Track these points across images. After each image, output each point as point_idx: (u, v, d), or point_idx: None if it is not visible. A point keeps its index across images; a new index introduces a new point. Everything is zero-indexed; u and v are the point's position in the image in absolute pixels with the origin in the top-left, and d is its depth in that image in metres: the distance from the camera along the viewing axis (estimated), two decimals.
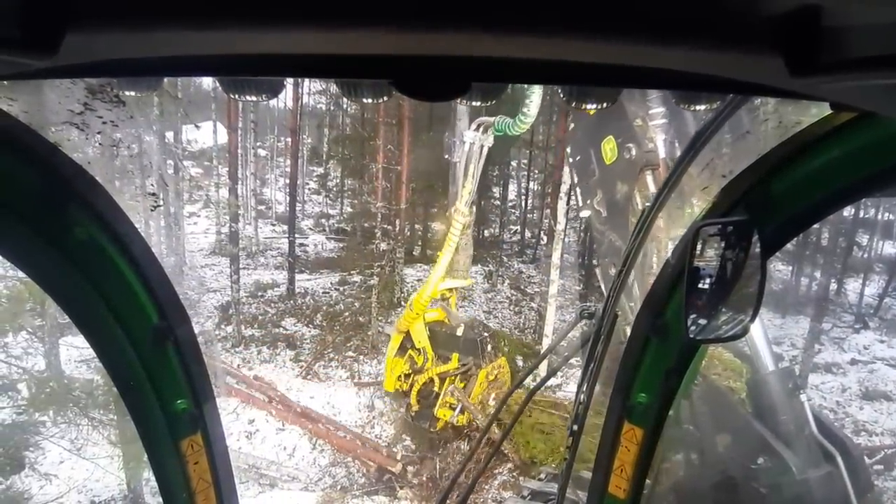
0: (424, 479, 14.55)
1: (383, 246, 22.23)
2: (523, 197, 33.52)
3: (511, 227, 32.75)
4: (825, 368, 19.50)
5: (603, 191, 9.29)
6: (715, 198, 2.00)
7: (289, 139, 30.17)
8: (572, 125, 16.91)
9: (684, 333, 1.84)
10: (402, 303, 23.22)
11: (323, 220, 33.77)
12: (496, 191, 31.86)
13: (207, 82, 23.80)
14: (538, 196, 31.87)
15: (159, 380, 2.07)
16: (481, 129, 13.15)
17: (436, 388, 14.90)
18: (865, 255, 24.56)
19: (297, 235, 26.31)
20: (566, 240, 20.23)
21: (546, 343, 17.83)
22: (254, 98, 1.38)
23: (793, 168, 1.84)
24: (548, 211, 30.53)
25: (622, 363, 2.41)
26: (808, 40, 0.96)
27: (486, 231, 30.66)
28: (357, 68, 1.16)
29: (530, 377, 13.28)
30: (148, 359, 2.03)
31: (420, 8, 0.96)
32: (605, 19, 0.98)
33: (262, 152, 37.25)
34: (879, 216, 26.03)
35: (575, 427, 2.85)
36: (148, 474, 12.95)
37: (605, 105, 1.41)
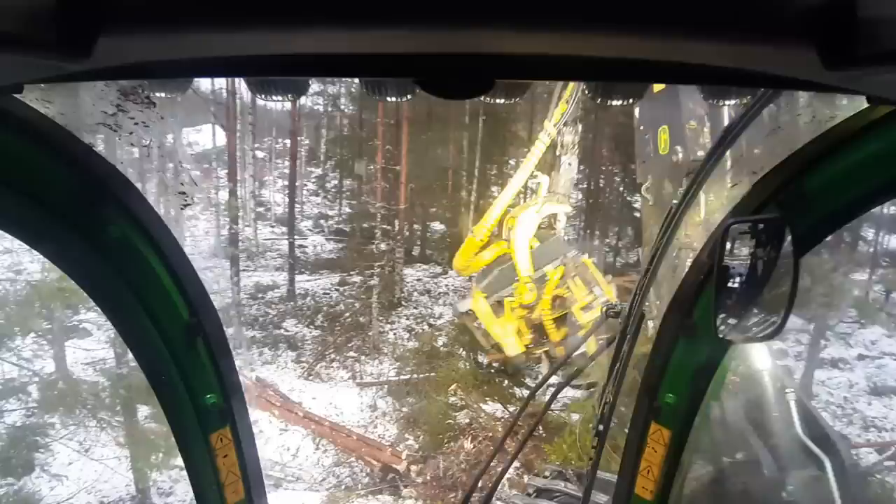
0: (429, 477, 14.56)
1: (383, 246, 22.26)
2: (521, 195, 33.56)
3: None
4: (831, 364, 19.42)
5: (653, 178, 9.28)
6: (746, 195, 1.96)
7: (287, 141, 30.19)
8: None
9: (714, 333, 1.79)
10: (403, 302, 23.27)
11: (322, 221, 33.78)
12: (494, 190, 31.88)
13: (206, 85, 23.79)
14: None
15: (190, 374, 2.12)
16: None
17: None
18: (871, 249, 24.50)
19: (296, 237, 26.33)
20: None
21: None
22: (280, 98, 1.41)
23: (827, 164, 1.78)
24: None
25: (649, 362, 2.39)
26: (843, 32, 0.93)
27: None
28: (381, 67, 1.16)
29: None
30: (179, 354, 2.08)
31: (443, 6, 0.97)
32: (632, 13, 0.97)
33: (260, 154, 37.22)
34: (884, 210, 26.04)
35: (600, 427, 2.78)
36: (155, 475, 13.03)
37: (630, 101, 1.40)
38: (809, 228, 1.84)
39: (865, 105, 1.61)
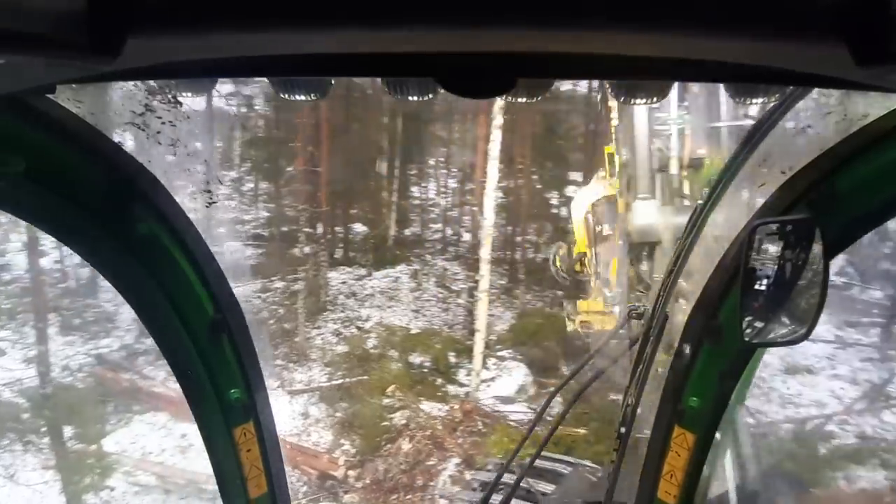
0: (368, 481, 14.44)
1: (306, 250, 21.82)
2: (444, 195, 33.72)
3: (431, 225, 32.85)
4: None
5: None
6: (774, 195, 1.93)
7: (198, 144, 28.95)
8: (499, 119, 17.27)
9: (739, 336, 1.76)
10: (329, 307, 22.92)
11: (238, 227, 32.66)
12: (415, 190, 31.91)
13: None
14: (457, 193, 32.15)
15: (215, 370, 2.17)
16: None
17: None
18: None
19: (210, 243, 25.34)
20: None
21: (478, 338, 18.06)
22: (303, 97, 1.43)
23: (859, 164, 1.74)
24: (467, 208, 31.02)
25: (672, 366, 2.37)
26: (875, 27, 0.91)
27: (406, 230, 30.65)
28: (403, 66, 1.17)
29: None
30: (204, 349, 2.13)
31: (465, 5, 0.97)
32: (657, 11, 0.96)
33: (170, 158, 35.55)
34: None
35: (622, 429, 2.77)
36: (89, 497, 12.23)
37: (654, 100, 1.40)
38: (840, 229, 1.80)
39: None
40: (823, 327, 21.74)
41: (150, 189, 1.87)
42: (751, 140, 2.17)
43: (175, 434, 15.03)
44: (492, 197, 17.99)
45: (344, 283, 25.06)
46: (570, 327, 14.69)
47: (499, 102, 17.41)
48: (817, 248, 1.64)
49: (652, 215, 5.84)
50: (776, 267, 1.69)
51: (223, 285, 2.14)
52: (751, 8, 0.96)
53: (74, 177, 1.68)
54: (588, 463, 10.58)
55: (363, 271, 25.75)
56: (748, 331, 1.74)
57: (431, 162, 32.91)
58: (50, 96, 1.47)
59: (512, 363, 19.08)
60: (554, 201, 29.23)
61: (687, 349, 2.28)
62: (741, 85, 1.43)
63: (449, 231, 32.06)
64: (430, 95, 1.34)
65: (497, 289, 23.49)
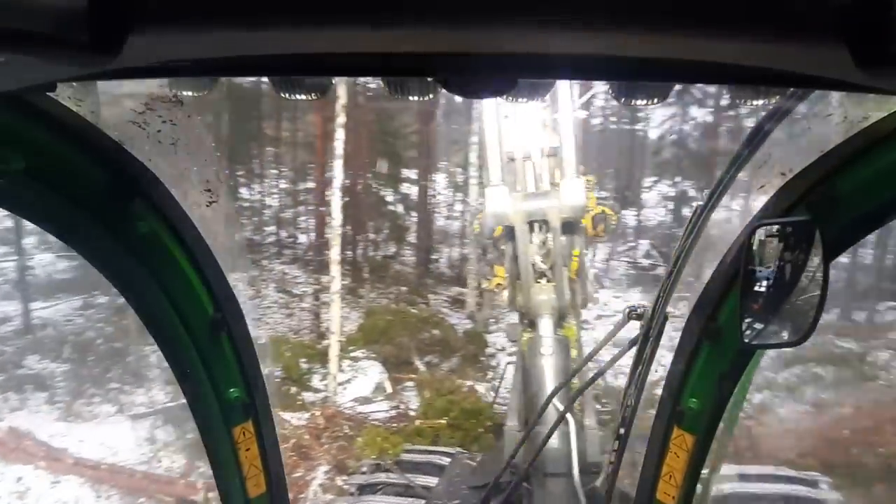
0: None
1: None
2: (275, 196, 32.53)
3: (265, 228, 31.58)
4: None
5: None
6: (773, 196, 1.93)
7: None
8: (342, 117, 17.08)
9: (739, 338, 1.77)
10: None
11: (49, 236, 28.73)
12: (243, 192, 30.46)
13: None
14: (290, 194, 31.24)
15: (214, 369, 2.18)
16: None
17: None
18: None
19: (20, 256, 22.26)
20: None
21: (333, 341, 17.80)
22: (303, 97, 1.46)
23: (859, 166, 1.74)
24: (304, 208, 30.24)
25: (672, 367, 2.38)
26: (875, 29, 0.93)
27: (236, 235, 29.16)
28: (404, 67, 1.20)
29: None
30: (204, 348, 2.14)
31: (466, 5, 0.99)
32: (658, 12, 0.98)
33: None
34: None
35: (622, 430, 2.78)
36: None
37: (655, 101, 1.43)
38: (840, 231, 1.79)
39: None
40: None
41: (151, 188, 1.87)
42: (752, 141, 2.17)
43: (9, 478, 13.13)
44: (338, 196, 17.69)
45: None
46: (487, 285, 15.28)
47: (341, 101, 17.24)
48: (817, 250, 1.66)
49: (502, 201, 6.27)
50: (776, 268, 1.70)
51: (223, 284, 2.14)
52: (751, 9, 0.98)
53: (75, 175, 1.67)
54: (459, 450, 10.88)
55: None
56: (747, 332, 1.75)
57: (261, 162, 31.61)
58: (50, 94, 1.45)
59: (366, 363, 19.02)
60: (389, 199, 29.55)
61: (686, 350, 2.31)
62: (742, 87, 1.48)
63: (284, 234, 31.09)
64: (431, 96, 1.37)
65: (342, 289, 23.26)
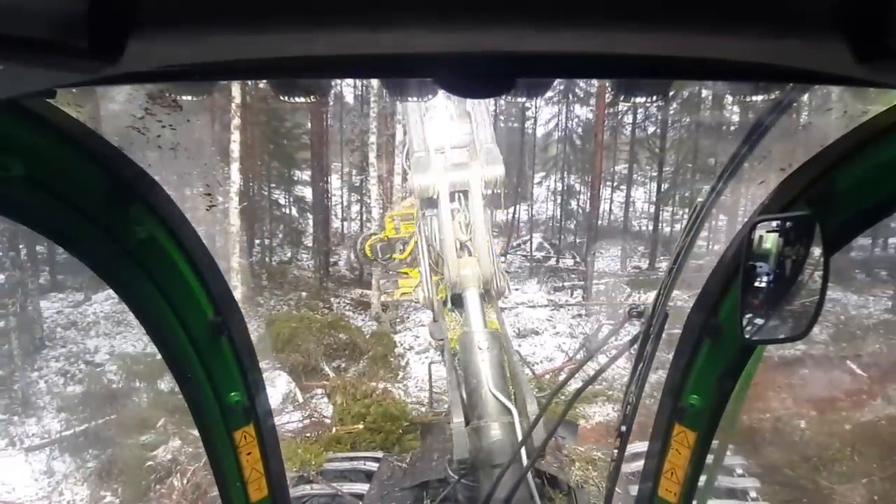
0: None
1: (8, 277, 18.21)
2: None
3: None
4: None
5: None
6: (773, 192, 1.93)
7: None
8: (237, 119, 16.31)
9: (739, 334, 1.77)
10: (47, 342, 19.48)
11: None
12: None
13: None
14: (179, 200, 29.42)
15: (215, 373, 2.18)
16: None
17: None
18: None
19: None
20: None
21: None
22: (303, 99, 1.47)
23: (858, 160, 1.74)
24: (190, 215, 28.56)
25: (673, 364, 2.38)
26: (874, 23, 0.92)
27: None
28: (402, 67, 1.21)
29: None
30: (204, 352, 2.14)
31: (465, 5, 0.98)
32: (657, 9, 0.98)
33: None
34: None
35: (623, 428, 2.76)
36: None
37: (654, 98, 1.44)
38: (839, 226, 1.80)
39: None
40: (537, 294, 25.15)
41: (150, 192, 1.87)
42: (751, 137, 2.15)
43: None
44: (236, 201, 16.89)
45: (60, 312, 21.36)
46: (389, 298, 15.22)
47: (236, 100, 16.47)
48: (817, 245, 1.66)
49: (427, 171, 6.63)
50: (776, 264, 1.70)
51: (223, 288, 2.14)
52: (751, 5, 0.98)
53: (74, 181, 1.67)
54: (385, 453, 10.73)
55: (79, 296, 22.19)
56: (748, 328, 1.75)
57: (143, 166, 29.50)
58: (49, 100, 1.45)
59: (272, 373, 18.35)
60: (282, 201, 28.66)
61: (687, 347, 2.31)
62: (741, 83, 1.49)
63: None
64: (430, 97, 1.37)
65: (239, 298, 22.33)
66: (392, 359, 19.76)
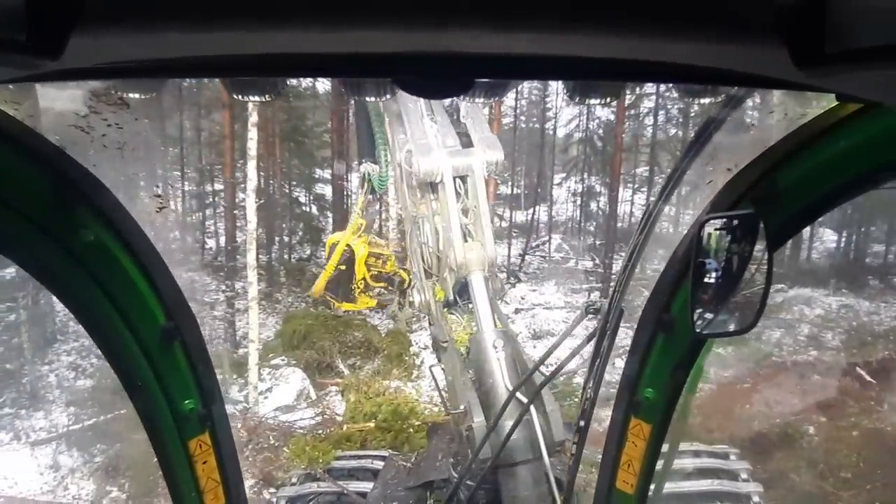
0: None
1: (12, 271, 18.47)
2: (179, 200, 30.89)
3: (169, 233, 29.93)
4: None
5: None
6: (720, 191, 2.00)
7: None
8: (255, 116, 16.49)
9: (691, 328, 1.84)
10: (59, 336, 19.77)
11: None
12: (143, 195, 28.74)
13: None
14: (195, 196, 29.79)
15: (167, 380, 2.12)
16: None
17: None
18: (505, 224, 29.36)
19: None
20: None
21: (252, 349, 17.14)
22: (258, 98, 1.45)
23: (799, 160, 1.84)
24: (211, 211, 28.92)
25: (628, 358, 2.44)
26: (812, 30, 0.95)
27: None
28: (360, 67, 1.21)
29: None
30: (156, 359, 2.07)
31: (422, 6, 0.98)
32: (608, 13, 0.99)
33: None
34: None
35: (581, 423, 2.83)
36: None
37: (609, 100, 1.49)
38: (783, 223, 1.91)
39: (835, 103, 1.70)
40: (554, 296, 25.00)
41: (95, 194, 1.81)
42: (700, 138, 2.23)
43: None
44: (253, 198, 17.00)
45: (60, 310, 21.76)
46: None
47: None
48: (761, 241, 1.76)
49: (434, 158, 6.74)
50: (724, 260, 1.79)
51: (175, 292, 2.08)
52: (698, 11, 1.00)
53: (13, 182, 1.61)
54: (392, 452, 10.74)
55: None
56: (699, 322, 1.83)
57: (163, 163, 29.95)
58: None
59: (287, 370, 18.46)
60: (302, 199, 28.82)
61: (642, 342, 2.37)
62: (689, 86, 1.56)
63: (190, 238, 29.59)
64: (388, 96, 1.36)
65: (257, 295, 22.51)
66: (407, 358, 19.74)
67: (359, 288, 14.75)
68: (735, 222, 1.80)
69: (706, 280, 1.79)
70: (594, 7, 0.98)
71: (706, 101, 1.61)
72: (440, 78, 1.19)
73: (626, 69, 1.16)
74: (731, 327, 1.84)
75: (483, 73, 1.22)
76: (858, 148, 1.75)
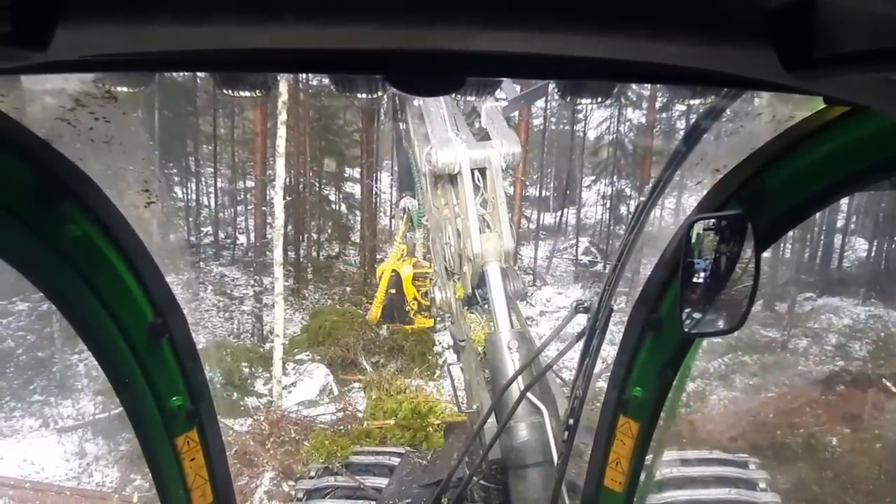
0: None
1: None
2: (212, 196, 31.43)
3: (202, 228, 30.49)
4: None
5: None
6: (709, 192, 2.02)
7: None
8: (284, 114, 16.73)
9: (679, 328, 1.85)
10: None
11: None
12: (178, 191, 29.35)
13: None
14: (228, 193, 30.32)
15: (155, 377, 2.09)
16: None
17: None
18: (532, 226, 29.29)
19: None
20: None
21: (277, 344, 17.36)
22: (247, 94, 1.42)
23: (786, 162, 1.86)
24: (242, 207, 29.42)
25: (617, 357, 2.44)
26: (801, 34, 0.96)
27: (171, 235, 28.06)
28: (350, 64, 1.20)
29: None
30: (143, 356, 2.04)
31: (414, 2, 0.97)
32: (599, 13, 0.99)
33: None
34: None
35: (571, 421, 2.84)
36: None
37: (599, 99, 1.48)
38: (770, 224, 1.92)
39: (823, 105, 1.71)
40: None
41: (82, 188, 1.77)
42: (689, 140, 2.24)
43: None
44: (281, 195, 17.24)
45: None
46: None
47: (283, 97, 16.81)
48: (749, 242, 1.77)
49: (452, 150, 6.81)
50: (712, 260, 1.80)
51: (163, 287, 2.05)
52: (689, 13, 0.99)
53: None
54: (408, 449, 10.79)
55: None
56: (687, 322, 1.84)
57: (191, 160, 30.48)
58: None
59: (311, 365, 18.66)
60: (332, 197, 29.10)
61: (630, 341, 2.37)
62: (679, 87, 1.56)
63: (222, 234, 30.12)
64: (379, 93, 1.35)
65: (284, 291, 22.80)
66: (430, 357, 19.80)
67: (413, 309, 14.86)
68: (723, 223, 1.81)
69: (695, 280, 1.80)
70: (585, 7, 0.97)
71: (695, 102, 1.63)
72: (431, 75, 1.18)
73: (617, 69, 1.17)
74: (719, 327, 1.85)
75: (475, 71, 1.21)
76: (845, 150, 1.76)
